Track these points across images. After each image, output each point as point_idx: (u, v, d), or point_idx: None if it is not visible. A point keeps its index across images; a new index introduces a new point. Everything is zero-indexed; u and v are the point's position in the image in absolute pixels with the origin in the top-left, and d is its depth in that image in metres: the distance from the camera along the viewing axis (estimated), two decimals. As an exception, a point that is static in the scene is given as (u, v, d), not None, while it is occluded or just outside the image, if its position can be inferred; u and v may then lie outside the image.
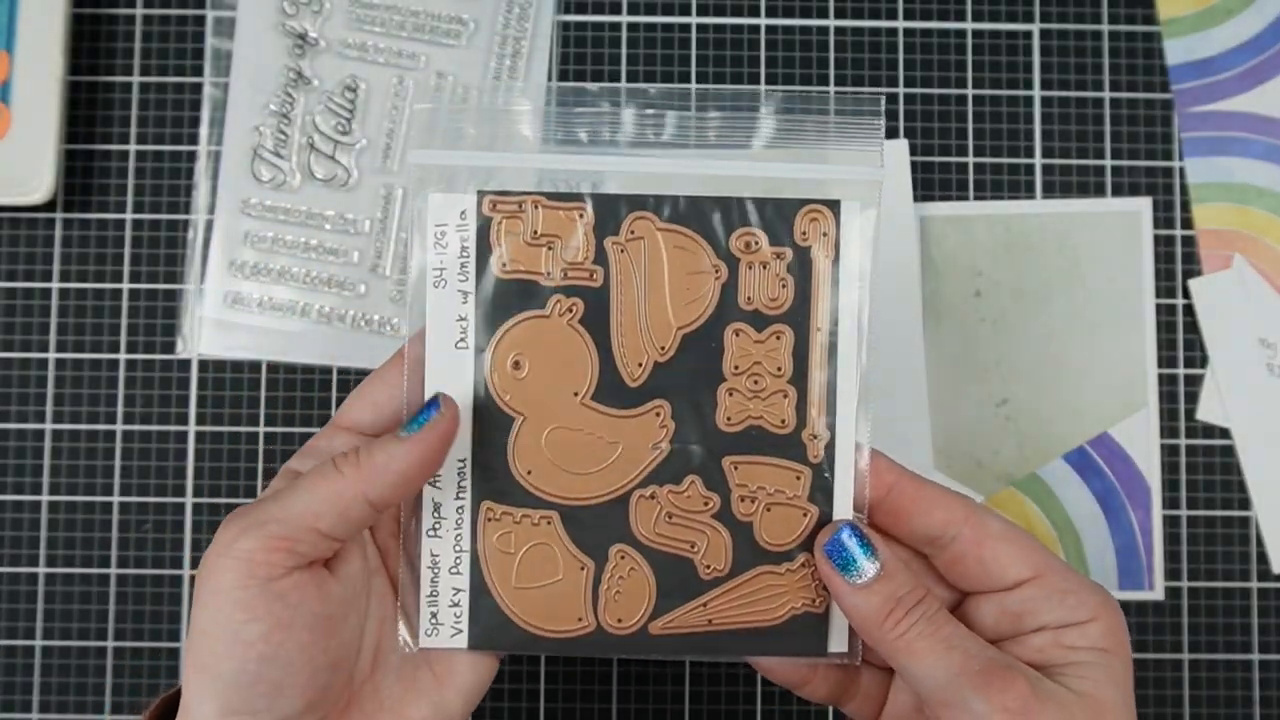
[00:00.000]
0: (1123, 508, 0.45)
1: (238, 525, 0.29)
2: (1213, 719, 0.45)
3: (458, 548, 0.33)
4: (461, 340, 0.32)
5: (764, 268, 0.32)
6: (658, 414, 0.33)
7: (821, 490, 0.33)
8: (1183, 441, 0.46)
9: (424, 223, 0.32)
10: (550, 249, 0.32)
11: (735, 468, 0.33)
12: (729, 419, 0.33)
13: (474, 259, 0.32)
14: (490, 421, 0.33)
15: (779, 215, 0.32)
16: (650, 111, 0.33)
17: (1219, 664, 0.45)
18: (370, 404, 0.33)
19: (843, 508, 0.33)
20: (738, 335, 0.32)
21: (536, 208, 0.32)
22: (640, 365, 0.33)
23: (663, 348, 0.32)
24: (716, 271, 0.32)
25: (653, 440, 0.33)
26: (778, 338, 0.32)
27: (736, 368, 0.33)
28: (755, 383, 0.33)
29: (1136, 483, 0.45)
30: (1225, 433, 0.46)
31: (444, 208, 0.32)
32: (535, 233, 0.32)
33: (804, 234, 0.32)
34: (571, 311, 0.32)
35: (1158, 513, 0.45)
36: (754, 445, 0.33)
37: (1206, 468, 0.46)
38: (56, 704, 0.44)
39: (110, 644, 0.44)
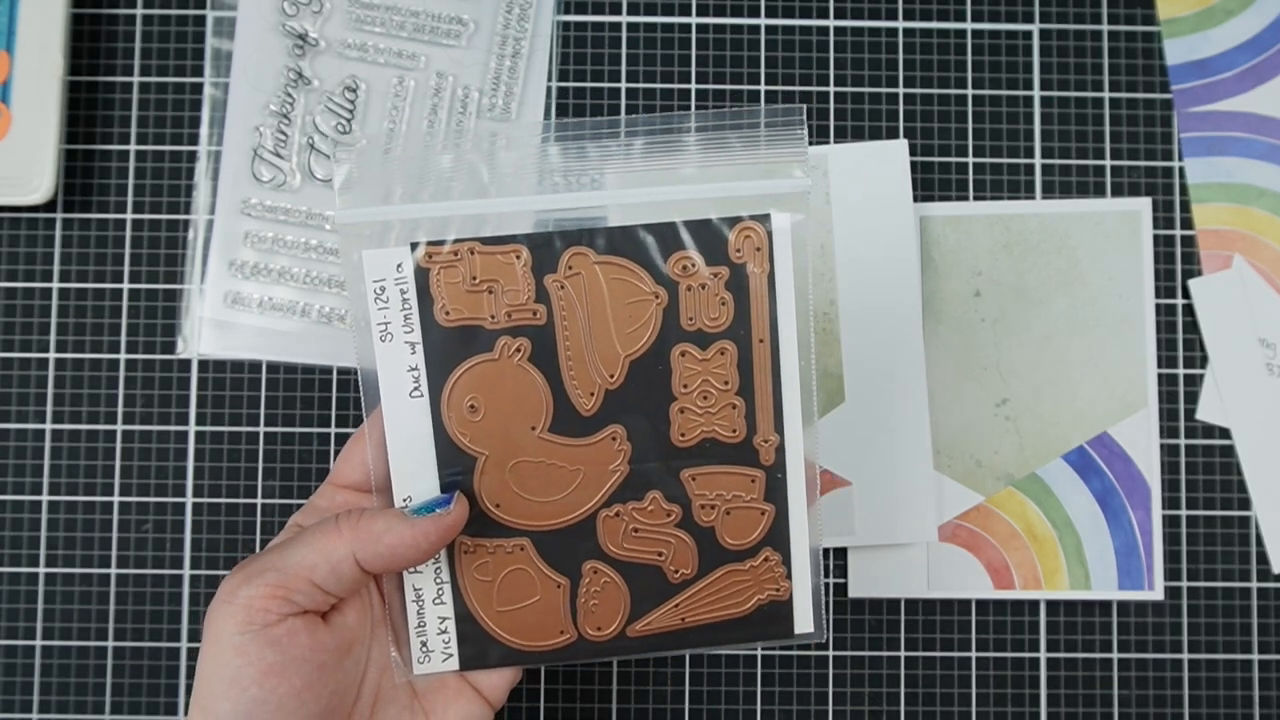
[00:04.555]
0: (1123, 508, 0.45)
1: (241, 574, 0.31)
2: (1213, 719, 0.45)
3: (438, 580, 0.34)
4: (415, 389, 0.33)
5: (703, 288, 0.33)
6: (614, 438, 0.34)
7: (776, 490, 0.34)
8: (1183, 441, 0.46)
9: (361, 279, 0.33)
10: (491, 293, 0.33)
11: (693, 479, 0.34)
12: (683, 435, 0.34)
13: (416, 310, 0.33)
14: (453, 463, 0.34)
15: (712, 235, 0.33)
16: (574, 146, 0.34)
17: (1219, 664, 0.45)
18: (359, 464, 0.35)
19: (797, 503, 0.34)
20: (683, 355, 0.34)
21: (473, 254, 0.33)
22: (592, 395, 0.34)
23: (612, 375, 0.34)
24: (657, 297, 0.33)
25: (611, 463, 0.34)
26: (722, 353, 0.34)
27: (685, 386, 0.34)
28: (705, 398, 0.34)
29: (1136, 483, 0.45)
30: (1225, 433, 0.46)
31: (379, 263, 0.33)
32: (474, 278, 0.33)
33: (738, 251, 0.33)
34: (519, 352, 0.33)
35: (1158, 513, 0.45)
36: (709, 456, 0.34)
37: (1206, 468, 0.46)
38: (56, 704, 0.44)
39: (110, 644, 0.44)
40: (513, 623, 0.34)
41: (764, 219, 0.33)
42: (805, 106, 0.36)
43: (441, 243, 0.33)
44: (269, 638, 0.30)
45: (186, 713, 0.44)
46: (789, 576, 0.35)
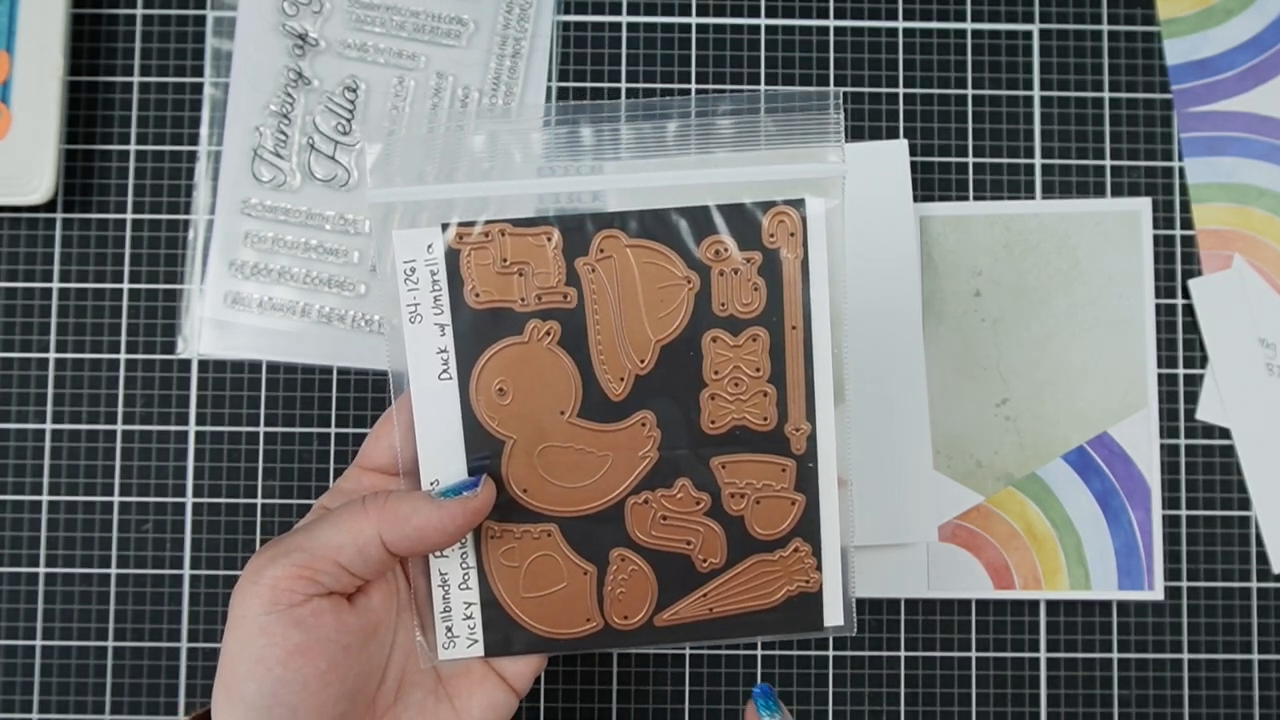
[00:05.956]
0: (1123, 508, 0.45)
1: (267, 554, 0.31)
2: (1212, 719, 0.45)
3: (464, 565, 0.34)
4: (444, 372, 0.33)
5: (735, 274, 0.33)
6: (643, 424, 0.33)
7: (807, 479, 0.34)
8: (1183, 441, 0.46)
9: (392, 260, 0.33)
10: (521, 275, 0.33)
11: (723, 467, 0.34)
12: (713, 422, 0.34)
13: (446, 292, 0.33)
14: (481, 447, 0.33)
15: (745, 220, 0.33)
16: (607, 128, 0.33)
17: (1219, 664, 0.45)
18: (386, 446, 0.34)
19: (829, 493, 0.34)
20: (715, 342, 0.33)
21: (504, 235, 0.33)
22: (622, 380, 0.33)
23: (642, 361, 0.33)
24: (688, 282, 0.33)
25: (641, 449, 0.34)
26: (754, 340, 0.33)
27: (716, 373, 0.33)
28: (736, 385, 0.33)
29: (1136, 483, 0.45)
30: (1225, 433, 0.46)
31: (410, 243, 0.33)
32: (505, 260, 0.33)
33: (772, 236, 0.33)
34: (549, 335, 0.33)
35: (1158, 513, 0.45)
36: (739, 444, 0.34)
37: (1206, 468, 0.46)
38: (56, 704, 0.44)
39: (110, 644, 0.44)
40: (539, 609, 0.34)
41: (798, 204, 0.33)
42: (840, 91, 0.35)
43: (472, 224, 0.33)
44: (294, 618, 0.30)
45: (184, 711, 0.44)
46: (819, 568, 0.34)
